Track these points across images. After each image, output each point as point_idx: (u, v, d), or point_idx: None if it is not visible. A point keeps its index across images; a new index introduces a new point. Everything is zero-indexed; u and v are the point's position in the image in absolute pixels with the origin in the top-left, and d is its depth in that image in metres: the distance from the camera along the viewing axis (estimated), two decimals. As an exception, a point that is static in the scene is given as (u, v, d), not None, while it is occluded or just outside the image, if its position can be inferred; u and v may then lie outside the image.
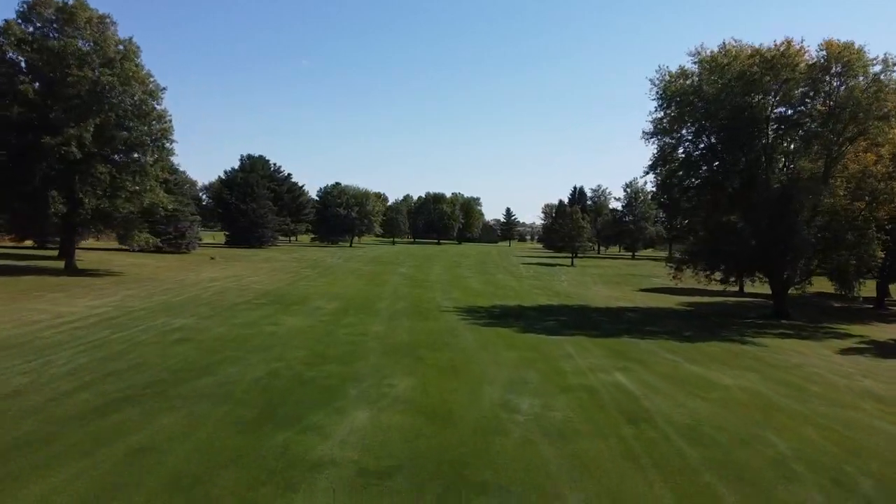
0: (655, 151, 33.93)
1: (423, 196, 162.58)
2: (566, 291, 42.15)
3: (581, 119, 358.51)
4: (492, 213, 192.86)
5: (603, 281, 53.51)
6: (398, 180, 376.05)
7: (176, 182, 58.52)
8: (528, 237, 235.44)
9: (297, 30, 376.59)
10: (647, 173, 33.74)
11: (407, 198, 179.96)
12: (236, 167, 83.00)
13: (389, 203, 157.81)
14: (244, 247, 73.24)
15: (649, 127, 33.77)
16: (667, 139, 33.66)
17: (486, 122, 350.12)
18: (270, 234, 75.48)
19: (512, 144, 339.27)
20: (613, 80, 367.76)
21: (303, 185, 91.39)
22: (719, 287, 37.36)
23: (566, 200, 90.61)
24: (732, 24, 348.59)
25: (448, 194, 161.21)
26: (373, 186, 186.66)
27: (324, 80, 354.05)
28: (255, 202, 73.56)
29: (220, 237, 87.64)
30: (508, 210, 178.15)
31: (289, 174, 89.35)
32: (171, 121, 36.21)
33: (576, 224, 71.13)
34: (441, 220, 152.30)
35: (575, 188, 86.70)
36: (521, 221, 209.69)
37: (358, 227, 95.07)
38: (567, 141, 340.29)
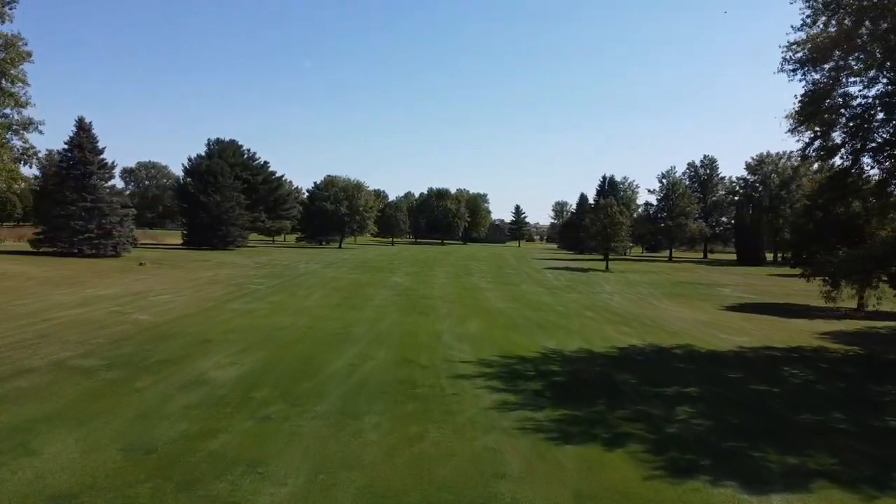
0: (805, 91, 20.50)
1: (426, 192, 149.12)
2: (631, 313, 28.81)
3: (585, 118, 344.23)
4: (496, 212, 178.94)
5: (662, 293, 40.08)
6: (399, 180, 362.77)
7: (102, 163, 45.34)
8: (538, 237, 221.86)
9: (297, 30, 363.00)
10: (797, 127, 20.21)
11: (408, 195, 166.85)
12: (203, 153, 69.66)
13: (390, 200, 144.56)
14: (205, 248, 59.97)
15: (791, 54, 20.43)
16: (825, 70, 20.25)
17: (488, 121, 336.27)
18: (238, 232, 62.02)
19: (514, 143, 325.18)
20: (616, 79, 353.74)
21: (282, 175, 77.75)
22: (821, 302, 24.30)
23: (593, 193, 77.02)
24: (735, 24, 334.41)
25: (452, 190, 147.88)
26: (374, 186, 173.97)
27: (325, 80, 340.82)
28: (218, 194, 60.22)
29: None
30: (518, 208, 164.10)
31: (265, 162, 75.95)
32: (28, 55, 22.96)
33: (612, 220, 57.69)
34: (445, 218, 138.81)
35: (604, 178, 73.21)
36: (527, 221, 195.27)
37: (348, 225, 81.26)
38: (571, 140, 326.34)
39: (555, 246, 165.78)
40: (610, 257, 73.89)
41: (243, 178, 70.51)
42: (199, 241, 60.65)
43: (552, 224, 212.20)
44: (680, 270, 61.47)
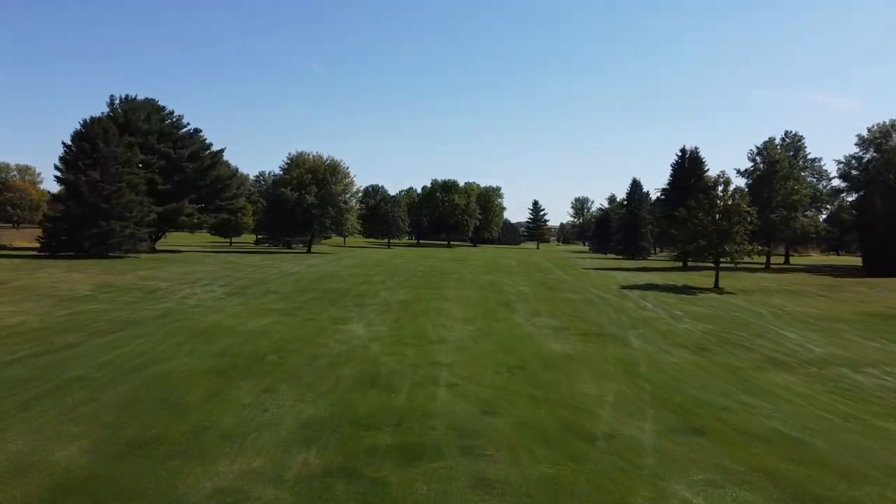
0: None
1: (430, 185, 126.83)
2: None
3: (596, 113, 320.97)
4: (506, 211, 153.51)
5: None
6: (400, 181, 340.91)
7: None
8: (552, 238, 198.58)
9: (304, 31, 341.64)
10: None
11: (410, 191, 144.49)
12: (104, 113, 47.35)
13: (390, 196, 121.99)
14: (71, 256, 37.86)
15: None
16: None
17: (494, 117, 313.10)
18: (131, 230, 39.30)
19: (518, 141, 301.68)
20: (615, 77, 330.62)
21: (221, 151, 54.29)
22: None
23: (647, 178, 53.96)
24: (739, 27, 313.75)
25: (461, 183, 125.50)
26: (373, 182, 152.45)
27: (331, 81, 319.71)
28: (97, 170, 37.97)
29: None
30: (536, 204, 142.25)
31: (196, 130, 53.11)
32: None
33: (728, 209, 35.18)
34: (452, 215, 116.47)
35: (683, 151, 50.30)
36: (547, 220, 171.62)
37: (319, 221, 58.28)
38: (580, 136, 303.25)
39: (582, 247, 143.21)
40: (689, 264, 51.67)
41: (161, 152, 48.36)
42: (66, 245, 38.41)
43: (572, 223, 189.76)
44: (834, 289, 38.63)
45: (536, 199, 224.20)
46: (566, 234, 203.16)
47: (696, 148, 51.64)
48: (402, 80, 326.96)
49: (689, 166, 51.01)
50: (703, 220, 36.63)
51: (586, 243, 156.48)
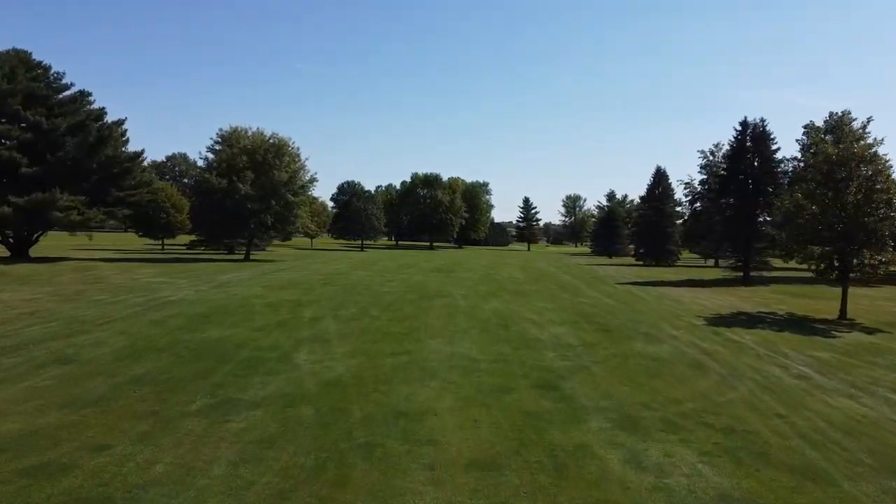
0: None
1: (410, 180, 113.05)
2: None
3: (571, 116, 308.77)
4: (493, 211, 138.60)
5: None
6: (382, 181, 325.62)
7: None
8: (542, 239, 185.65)
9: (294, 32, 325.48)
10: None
11: (389, 187, 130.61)
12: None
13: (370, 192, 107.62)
14: None
15: None
16: None
17: (472, 117, 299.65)
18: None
19: (498, 141, 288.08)
20: (609, 77, 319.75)
21: (121, 124, 39.14)
22: None
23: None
24: (741, 28, 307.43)
25: (444, 178, 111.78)
26: (349, 178, 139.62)
27: (329, 81, 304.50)
28: None
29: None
30: (527, 201, 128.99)
31: (81, 91, 38.50)
32: None
33: (876, 199, 22.51)
34: (435, 213, 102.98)
35: (744, 125, 36.93)
36: (539, 219, 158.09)
37: (258, 217, 43.98)
38: (562, 138, 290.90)
39: (576, 248, 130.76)
40: (761, 273, 38.82)
41: (28, 122, 34.31)
42: None
43: (563, 223, 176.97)
44: None
45: (520, 197, 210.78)
46: (555, 235, 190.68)
47: (764, 120, 38.64)
48: (390, 82, 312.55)
49: (752, 145, 38.19)
50: (825, 216, 23.86)
51: (580, 244, 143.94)
